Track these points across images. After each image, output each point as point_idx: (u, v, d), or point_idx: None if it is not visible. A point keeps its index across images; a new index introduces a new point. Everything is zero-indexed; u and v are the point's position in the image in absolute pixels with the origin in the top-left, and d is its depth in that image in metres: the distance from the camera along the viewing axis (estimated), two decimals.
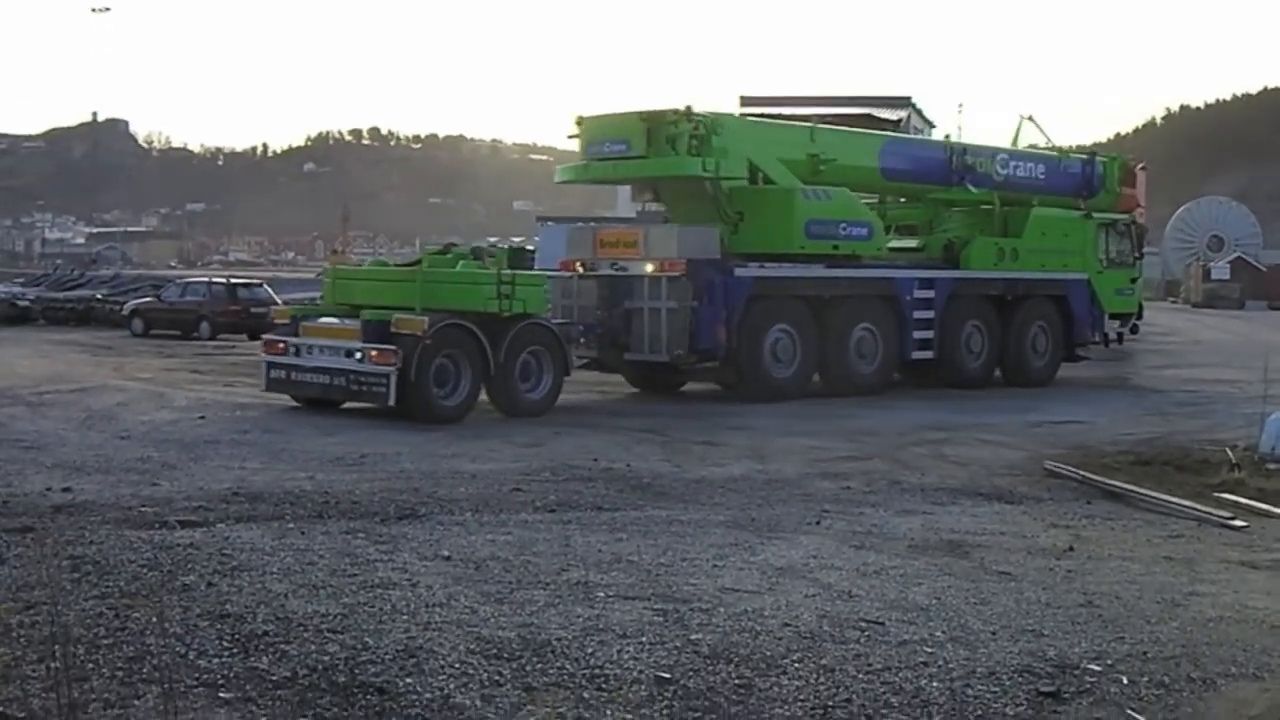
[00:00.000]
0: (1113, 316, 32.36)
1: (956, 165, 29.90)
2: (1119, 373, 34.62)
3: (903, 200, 31.34)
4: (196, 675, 8.15)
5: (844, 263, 27.31)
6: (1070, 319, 31.03)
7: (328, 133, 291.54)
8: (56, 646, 7.85)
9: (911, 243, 30.49)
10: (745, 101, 41.76)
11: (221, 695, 7.84)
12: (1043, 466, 17.65)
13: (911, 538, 12.96)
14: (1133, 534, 13.57)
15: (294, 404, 22.92)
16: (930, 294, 28.42)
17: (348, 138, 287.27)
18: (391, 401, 20.99)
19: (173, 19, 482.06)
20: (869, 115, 37.93)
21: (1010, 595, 10.68)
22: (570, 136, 27.54)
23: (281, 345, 22.80)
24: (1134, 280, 33.02)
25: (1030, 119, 33.24)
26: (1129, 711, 8.03)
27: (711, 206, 26.35)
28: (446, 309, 21.97)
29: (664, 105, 26.07)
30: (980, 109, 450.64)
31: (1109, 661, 8.93)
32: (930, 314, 28.42)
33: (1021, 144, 32.32)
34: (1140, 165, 36.21)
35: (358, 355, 21.49)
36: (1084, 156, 33.54)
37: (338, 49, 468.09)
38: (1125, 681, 8.54)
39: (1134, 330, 34.16)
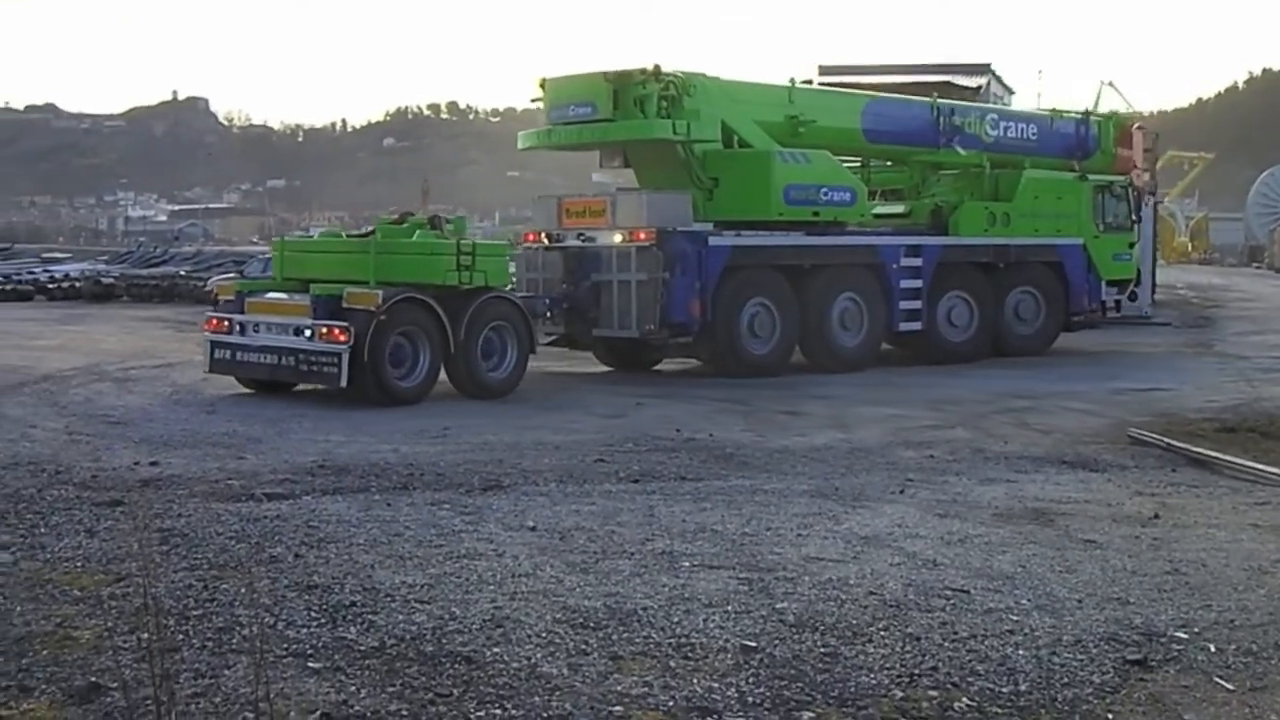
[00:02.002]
0: (1110, 283, 30.95)
1: (944, 126, 28.72)
2: (1203, 339, 34.32)
3: (888, 164, 30.26)
4: (285, 645, 8.23)
5: (825, 230, 26.06)
6: (1066, 286, 29.76)
7: (406, 108, 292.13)
8: (147, 618, 7.93)
9: (897, 208, 29.36)
10: (824, 71, 41.35)
11: (310, 665, 7.91)
12: (1127, 434, 17.56)
13: (996, 506, 12.93)
14: (1218, 501, 13.49)
15: None
16: (918, 262, 27.21)
17: (426, 112, 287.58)
18: (343, 383, 19.61)
19: None
20: (948, 83, 37.15)
21: (1096, 563, 10.64)
22: (533, 100, 26.52)
23: (225, 323, 21.20)
24: (1131, 245, 31.49)
25: (1110, 84, 32.66)
26: (1216, 679, 7.99)
27: (683, 172, 25.30)
28: (402, 282, 20.53)
29: (632, 65, 25.00)
30: (1060, 74, 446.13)
31: (1196, 629, 8.89)
32: (918, 283, 27.22)
33: (1103, 110, 31.66)
34: (1137, 125, 34.92)
35: (307, 333, 20.04)
36: (1078, 116, 32.24)
37: (416, 23, 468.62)
38: (1212, 649, 8.50)
39: (1132, 298, 32.81)
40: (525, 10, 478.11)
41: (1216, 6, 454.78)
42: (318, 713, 7.18)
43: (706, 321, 24.01)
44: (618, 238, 24.02)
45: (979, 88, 39.34)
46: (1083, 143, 31.37)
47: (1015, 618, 9.04)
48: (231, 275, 37.43)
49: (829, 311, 25.79)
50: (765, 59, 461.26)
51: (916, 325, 27.25)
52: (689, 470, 14.79)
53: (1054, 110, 32.20)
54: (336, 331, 19.65)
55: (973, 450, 16.42)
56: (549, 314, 23.77)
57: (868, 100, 28.81)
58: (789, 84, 27.14)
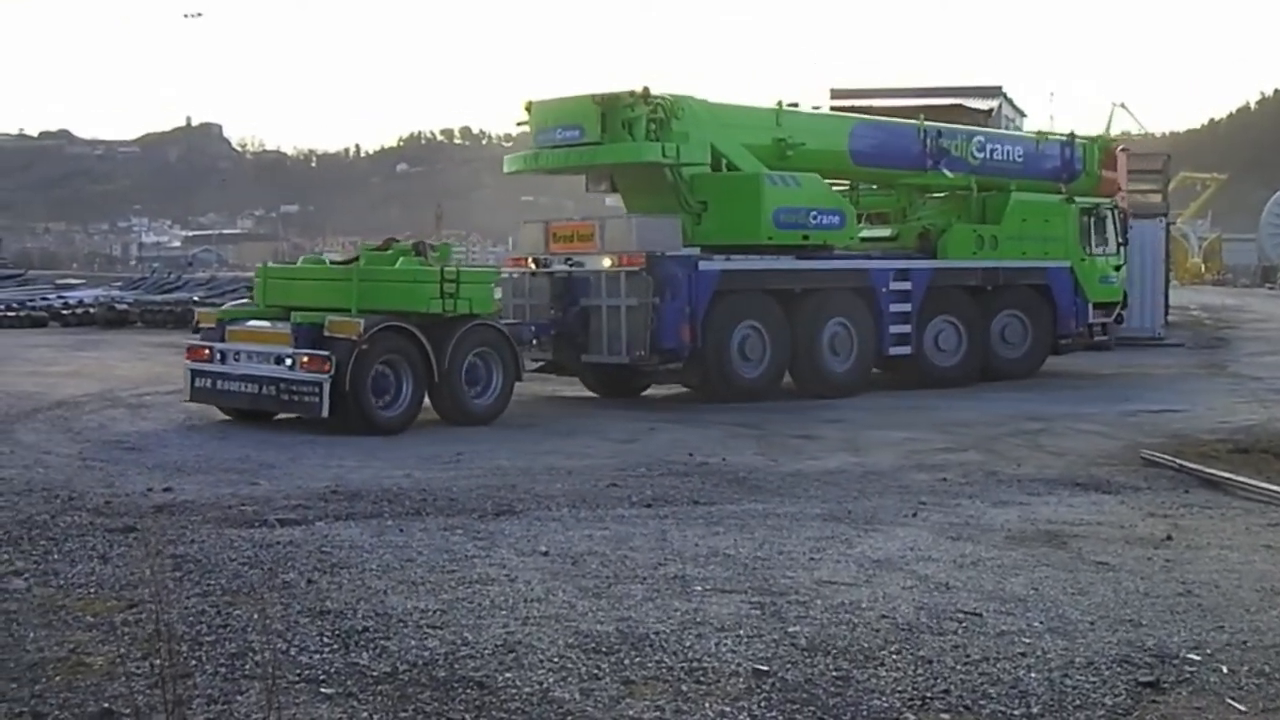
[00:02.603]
0: (1097, 306, 30.58)
1: (931, 149, 28.26)
2: (1216, 360, 34.28)
3: (874, 187, 29.84)
4: (298, 671, 8.24)
5: (814, 254, 25.68)
6: (1054, 309, 29.40)
7: (419, 133, 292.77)
8: (160, 644, 7.94)
9: (884, 231, 29.11)
10: (835, 94, 41.37)
11: (323, 690, 7.93)
12: (1140, 455, 17.54)
13: (1008, 529, 12.92)
14: (1231, 522, 13.47)
15: None
16: (907, 285, 26.86)
17: (439, 137, 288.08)
18: (324, 413, 19.31)
19: (264, 24, 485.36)
20: (959, 105, 37.13)
21: (1108, 585, 10.63)
22: (519, 123, 26.13)
23: (206, 351, 20.86)
24: (1118, 268, 31.27)
25: (1122, 105, 32.64)
26: (1229, 701, 7.99)
27: (672, 196, 24.82)
28: (386, 310, 20.24)
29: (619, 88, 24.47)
30: (1072, 96, 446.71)
31: (1208, 651, 8.88)
32: (907, 307, 26.83)
33: (1114, 132, 31.52)
34: (1121, 147, 34.72)
35: (288, 362, 19.72)
36: (1063, 138, 31.77)
37: (429, 49, 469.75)
38: (1225, 671, 8.50)
39: (1119, 320, 32.24)
40: (538, 36, 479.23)
41: (1228, 28, 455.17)
42: None
43: (697, 347, 23.69)
44: (607, 262, 23.71)
45: (990, 111, 39.33)
46: (1068, 165, 31.03)
47: (1027, 640, 9.04)
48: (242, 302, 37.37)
49: (819, 336, 25.48)
50: (776, 83, 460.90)
51: (906, 349, 26.92)
52: (702, 494, 14.78)
53: (1039, 133, 31.98)
54: (317, 361, 19.38)
55: (985, 473, 16.41)
56: (534, 340, 23.33)
57: (855, 123, 28.38)
58: (776, 106, 26.83)
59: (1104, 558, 11.67)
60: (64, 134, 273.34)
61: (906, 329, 26.75)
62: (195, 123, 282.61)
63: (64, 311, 45.91)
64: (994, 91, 42.97)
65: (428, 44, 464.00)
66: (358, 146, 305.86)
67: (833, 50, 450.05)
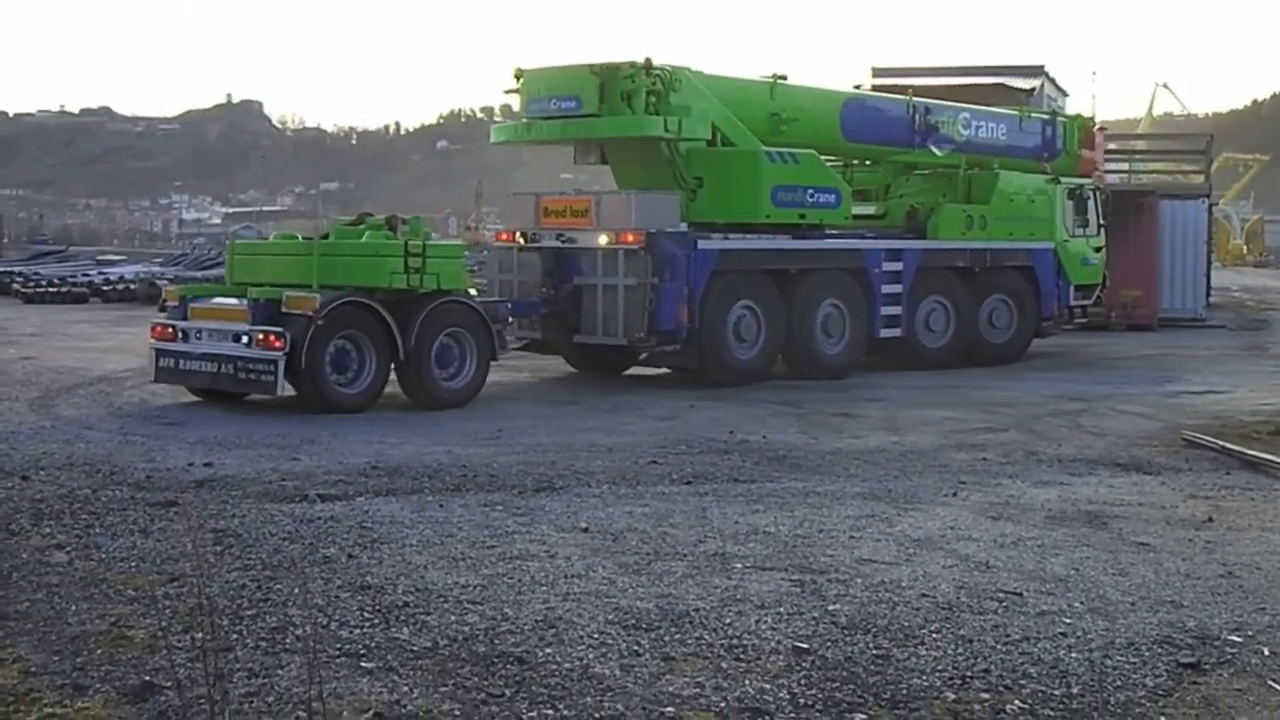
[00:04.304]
0: (1078, 288, 30.01)
1: (919, 125, 27.68)
2: (1257, 342, 34.14)
3: (866, 163, 28.94)
4: (339, 645, 8.27)
5: (809, 233, 24.92)
6: (1037, 291, 28.85)
7: (460, 110, 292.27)
8: (201, 617, 7.99)
9: (868, 209, 28.05)
10: (877, 72, 41.11)
11: (363, 665, 7.95)
12: (1181, 437, 17.47)
13: (1049, 509, 12.89)
14: (1273, 504, 13.42)
15: None
16: (898, 266, 26.17)
17: (480, 115, 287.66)
18: (279, 391, 18.78)
19: (306, 1, 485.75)
20: (1002, 85, 36.87)
21: (1149, 566, 10.60)
22: (508, 92, 25.05)
23: (170, 330, 20.15)
24: (1098, 250, 30.61)
25: (1165, 85, 32.26)
26: (1270, 683, 7.96)
27: (666, 171, 24.00)
28: (348, 286, 19.50)
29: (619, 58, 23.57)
30: (1115, 76, 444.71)
31: (1250, 633, 8.86)
32: (899, 288, 26.13)
33: (1157, 113, 31.26)
34: (1099, 126, 34.36)
35: (245, 339, 19.09)
36: (1045, 116, 31.37)
37: (469, 25, 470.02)
38: (1266, 653, 8.47)
39: (1097, 302, 31.74)
40: (581, 12, 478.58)
41: (1272, 8, 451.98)
42: (370, 712, 7.22)
43: (694, 328, 22.86)
44: (603, 239, 22.81)
45: (1033, 90, 39.06)
46: (1049, 144, 30.55)
47: (1068, 620, 9.02)
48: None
49: (813, 317, 24.78)
50: (822, 61, 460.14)
51: (897, 331, 26.29)
52: (742, 472, 14.79)
53: (1022, 109, 31.30)
54: (271, 338, 18.74)
55: (1025, 453, 16.37)
56: (511, 320, 22.45)
57: (846, 98, 27.85)
58: (770, 79, 25.93)
59: (1145, 538, 11.63)
60: (105, 110, 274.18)
61: (897, 310, 26.15)
62: (236, 100, 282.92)
63: (104, 287, 45.99)
64: (1036, 71, 42.66)
65: (469, 21, 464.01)
66: (398, 124, 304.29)
67: (876, 28, 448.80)
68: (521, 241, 24.03)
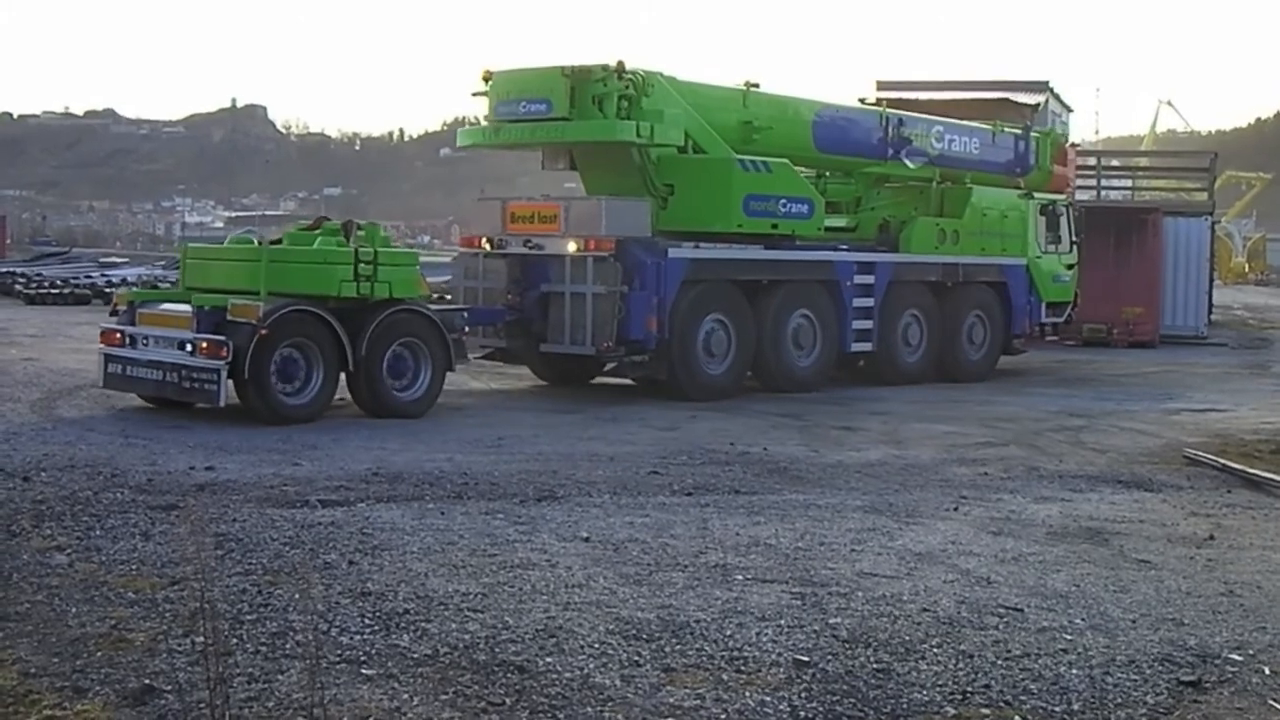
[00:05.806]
0: (1049, 306, 29.85)
1: (892, 137, 27.29)
2: (1259, 360, 34.15)
3: (838, 175, 28.26)
4: (339, 651, 8.27)
5: (781, 243, 24.36)
6: (1009, 307, 28.58)
7: (464, 117, 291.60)
8: (202, 621, 7.97)
9: (839, 221, 27.26)
10: (881, 86, 41.06)
11: (364, 671, 7.95)
12: (1182, 454, 17.47)
13: (1050, 524, 12.90)
14: (1274, 523, 13.42)
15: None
16: (870, 279, 25.62)
17: (484, 122, 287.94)
18: (222, 401, 18.15)
19: (311, 6, 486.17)
20: (1006, 100, 36.86)
21: (1150, 583, 10.61)
22: (475, 94, 24.38)
23: (117, 335, 19.79)
24: (1070, 267, 30.42)
25: (1169, 103, 32.22)
26: (1271, 702, 7.96)
27: (637, 177, 23.41)
28: (295, 293, 18.93)
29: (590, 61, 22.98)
30: (1119, 93, 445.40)
31: (1251, 651, 8.86)
32: (870, 301, 25.65)
33: (1160, 130, 31.23)
34: (1071, 143, 34.15)
35: (189, 347, 18.58)
36: (1017, 131, 30.79)
37: (473, 33, 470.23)
38: (1267, 672, 8.47)
39: (1068, 320, 31.51)
40: (582, 22, 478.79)
41: (1275, 26, 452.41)
42: (370, 719, 7.22)
43: (664, 339, 22.30)
44: (572, 246, 22.27)
45: (1037, 105, 39.07)
46: (1022, 159, 30.30)
47: (1069, 637, 9.03)
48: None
49: (784, 329, 24.26)
50: (825, 75, 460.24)
51: (868, 345, 25.84)
52: (743, 484, 14.79)
53: (995, 124, 30.70)
54: (214, 346, 18.23)
55: (1027, 468, 16.37)
56: (466, 329, 21.52)
57: (819, 108, 27.00)
58: (744, 86, 25.32)
59: (1146, 556, 11.64)
60: (109, 113, 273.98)
61: (869, 324, 25.78)
62: (241, 104, 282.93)
63: (107, 289, 45.81)
64: (1041, 86, 42.68)
65: (474, 28, 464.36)
66: (402, 130, 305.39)
67: (880, 43, 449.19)
68: (487, 247, 23.59)
